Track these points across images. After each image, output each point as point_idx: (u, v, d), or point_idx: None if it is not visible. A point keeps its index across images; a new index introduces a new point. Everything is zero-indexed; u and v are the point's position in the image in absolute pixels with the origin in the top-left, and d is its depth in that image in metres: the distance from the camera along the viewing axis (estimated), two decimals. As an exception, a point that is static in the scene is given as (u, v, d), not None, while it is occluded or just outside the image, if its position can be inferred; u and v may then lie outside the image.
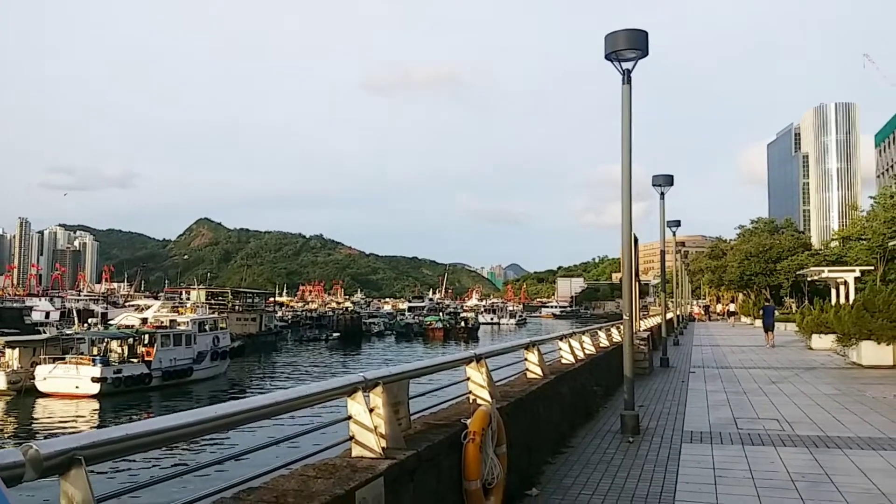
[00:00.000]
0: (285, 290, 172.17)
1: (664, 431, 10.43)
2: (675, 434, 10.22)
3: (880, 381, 16.59)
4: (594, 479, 7.58)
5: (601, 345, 15.94)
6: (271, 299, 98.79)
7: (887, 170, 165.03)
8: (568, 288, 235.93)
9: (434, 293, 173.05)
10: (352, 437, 4.32)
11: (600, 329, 17.38)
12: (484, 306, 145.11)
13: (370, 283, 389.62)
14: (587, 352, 13.36)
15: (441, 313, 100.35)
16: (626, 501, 6.72)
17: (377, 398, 4.52)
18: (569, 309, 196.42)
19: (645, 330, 22.68)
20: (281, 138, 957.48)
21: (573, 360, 11.69)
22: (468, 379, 6.70)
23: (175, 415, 2.99)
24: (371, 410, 4.43)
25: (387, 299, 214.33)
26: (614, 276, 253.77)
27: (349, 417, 4.35)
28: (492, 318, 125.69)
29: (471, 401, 6.54)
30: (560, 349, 11.94)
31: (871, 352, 20.22)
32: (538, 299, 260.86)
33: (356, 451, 4.28)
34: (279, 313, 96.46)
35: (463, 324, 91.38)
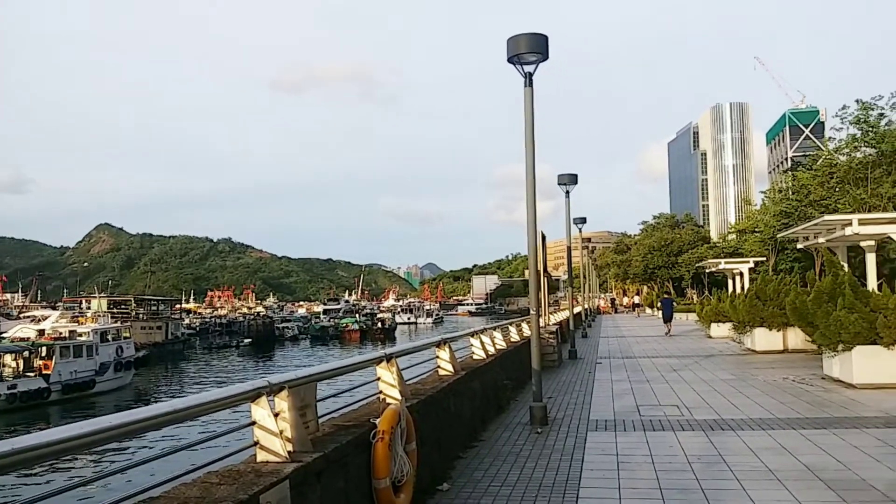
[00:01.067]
0: (193, 297, 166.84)
1: (571, 421, 10.79)
2: (582, 423, 10.59)
3: (771, 366, 17.68)
4: (504, 470, 7.78)
5: (512, 340, 16.29)
6: (178, 306, 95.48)
7: (778, 165, 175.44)
8: (483, 285, 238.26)
9: (350, 295, 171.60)
10: (256, 443, 4.30)
11: (511, 324, 17.74)
12: (401, 306, 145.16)
13: (283, 287, 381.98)
14: (498, 347, 13.65)
15: (357, 315, 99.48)
16: (533, 491, 6.94)
17: (283, 402, 4.52)
18: (484, 306, 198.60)
19: (554, 324, 23.26)
20: (186, 139, 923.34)
21: (484, 356, 11.92)
22: (379, 379, 6.75)
23: (68, 426, 2.92)
24: (277, 415, 4.42)
25: (301, 302, 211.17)
26: (527, 272, 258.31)
27: (253, 423, 4.33)
28: (409, 318, 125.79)
29: (381, 400, 6.59)
30: (472, 345, 12.16)
31: (763, 338, 21.49)
32: (455, 297, 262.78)
33: (261, 455, 4.26)
34: (186, 321, 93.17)
35: (380, 325, 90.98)
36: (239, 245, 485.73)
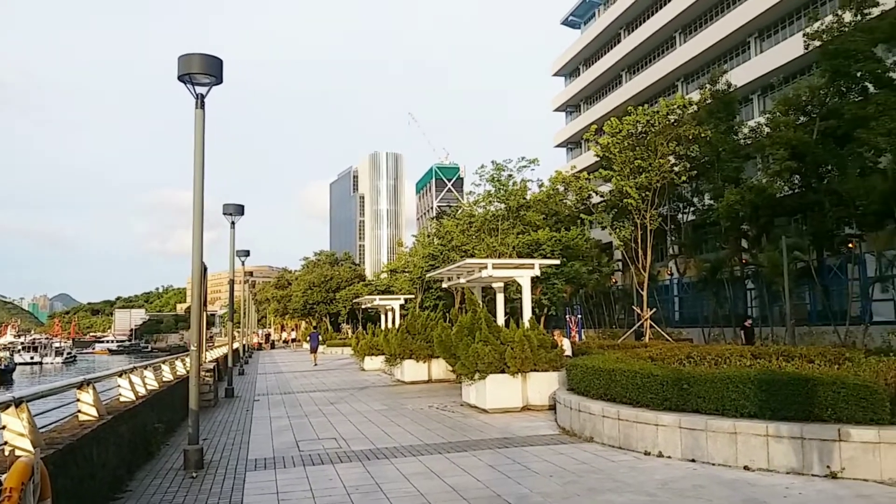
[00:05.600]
0: None
1: (228, 462, 10.34)
2: (240, 463, 10.22)
3: (419, 395, 19.12)
4: (155, 522, 7.12)
5: (164, 379, 15.15)
6: None
7: (425, 213, 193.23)
8: (128, 320, 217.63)
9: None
10: None
11: (164, 362, 16.51)
12: (22, 344, 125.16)
13: None
14: (150, 387, 12.57)
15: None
16: (190, 540, 6.47)
17: None
18: (127, 343, 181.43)
19: (211, 361, 22.29)
20: None
21: (133, 398, 10.85)
22: (4, 428, 5.72)
23: None
24: None
25: None
26: (179, 306, 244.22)
27: None
28: (32, 358, 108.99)
29: (7, 453, 5.58)
30: (119, 386, 11.00)
31: (411, 369, 23.20)
32: (92, 334, 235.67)
33: None
34: None
35: (-7, 365, 77.21)
36: None
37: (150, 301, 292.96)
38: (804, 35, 28.36)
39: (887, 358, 10.42)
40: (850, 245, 28.64)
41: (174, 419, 13.53)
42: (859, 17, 25.62)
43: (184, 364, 18.40)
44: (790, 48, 38.60)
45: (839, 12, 26.84)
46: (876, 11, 25.21)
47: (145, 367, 13.27)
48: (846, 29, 25.96)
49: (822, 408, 8.35)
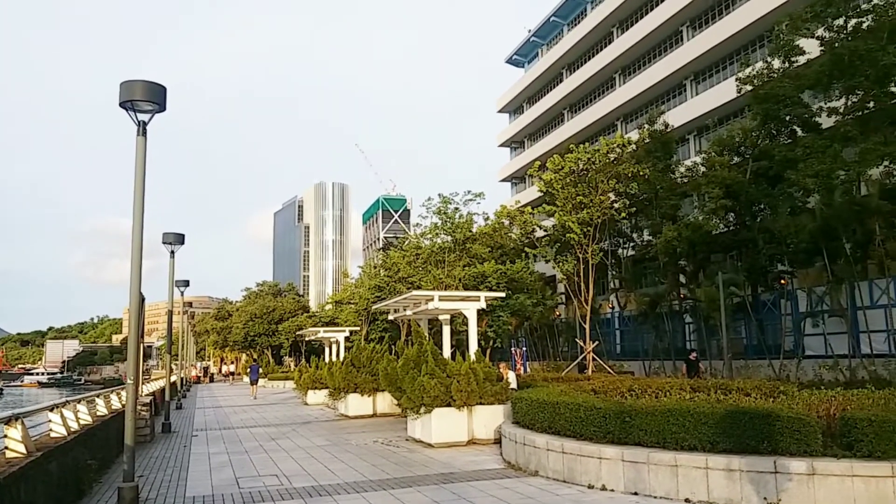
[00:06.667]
0: None
1: (165, 500, 10.01)
2: (177, 501, 9.91)
3: (363, 430, 18.87)
4: (86, 565, 6.82)
5: (99, 413, 14.60)
6: None
7: (372, 244, 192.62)
8: (60, 351, 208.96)
9: None
10: None
11: (98, 396, 15.92)
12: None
13: None
14: (83, 422, 12.10)
15: None
16: (123, 584, 6.21)
17: None
18: (59, 376, 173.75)
19: (148, 395, 21.57)
20: None
21: (65, 433, 10.43)
22: (-77, 467, 5.42)
23: None
24: None
25: None
26: (115, 337, 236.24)
27: None
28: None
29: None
30: (50, 421, 10.56)
31: (356, 403, 22.91)
32: (20, 365, 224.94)
33: None
34: None
35: None
36: None
37: (85, 332, 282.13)
38: (737, 79, 29.61)
39: (819, 391, 10.83)
40: (783, 281, 29.70)
41: (108, 455, 13.02)
42: (787, 65, 26.94)
43: (119, 398, 17.81)
44: (724, 91, 40.26)
45: (769, 59, 28.17)
46: (802, 59, 26.55)
47: (78, 401, 12.77)
48: (775, 75, 27.24)
49: (759, 440, 8.60)
